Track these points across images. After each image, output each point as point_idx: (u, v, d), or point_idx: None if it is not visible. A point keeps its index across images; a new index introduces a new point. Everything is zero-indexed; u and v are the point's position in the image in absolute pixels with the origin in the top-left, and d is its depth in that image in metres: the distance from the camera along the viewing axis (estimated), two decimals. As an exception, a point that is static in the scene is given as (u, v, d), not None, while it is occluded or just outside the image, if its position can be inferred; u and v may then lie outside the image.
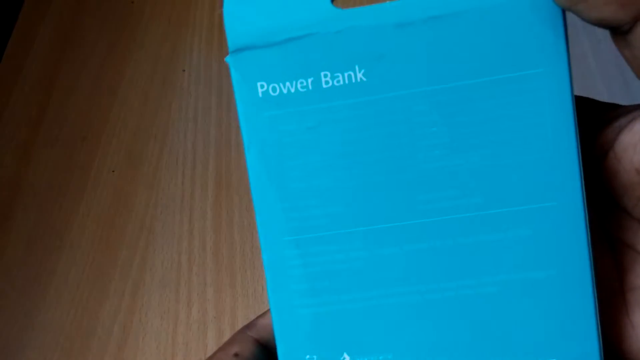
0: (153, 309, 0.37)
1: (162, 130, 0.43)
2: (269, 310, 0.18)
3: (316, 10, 0.16)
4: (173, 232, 0.39)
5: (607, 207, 0.17)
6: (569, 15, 0.16)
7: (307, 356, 0.17)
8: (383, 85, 0.16)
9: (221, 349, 0.18)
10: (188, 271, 0.38)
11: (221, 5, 0.17)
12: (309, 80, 0.16)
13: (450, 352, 0.17)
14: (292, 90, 0.16)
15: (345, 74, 0.16)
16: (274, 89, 0.16)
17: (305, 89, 0.16)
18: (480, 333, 0.16)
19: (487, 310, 0.16)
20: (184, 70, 0.45)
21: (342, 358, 0.17)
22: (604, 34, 0.16)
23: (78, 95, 0.45)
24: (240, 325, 0.35)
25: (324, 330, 0.17)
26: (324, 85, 0.16)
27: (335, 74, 0.16)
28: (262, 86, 0.16)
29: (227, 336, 0.35)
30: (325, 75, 0.16)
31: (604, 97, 0.40)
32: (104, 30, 0.48)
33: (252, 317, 0.19)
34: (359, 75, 0.16)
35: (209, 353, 0.35)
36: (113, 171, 0.42)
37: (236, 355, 0.18)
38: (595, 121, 0.17)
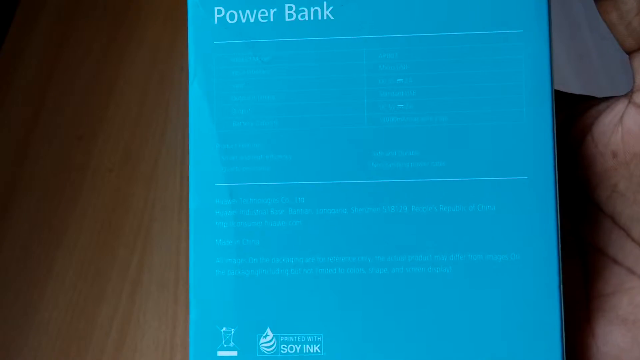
0: (151, 310, 0.37)
1: (160, 129, 0.43)
2: None
3: None
4: (171, 232, 0.39)
5: (579, 207, 0.16)
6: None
7: (224, 328, 0.15)
8: (350, 26, 0.15)
9: None
10: (187, 272, 0.38)
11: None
12: (272, 11, 0.15)
13: (390, 339, 0.15)
14: (252, 19, 0.15)
15: (312, 9, 0.15)
16: (231, 16, 0.15)
17: (266, 20, 0.15)
18: (427, 321, 0.15)
19: (437, 295, 0.15)
20: (182, 68, 0.45)
21: (264, 334, 0.15)
22: (608, 31, 0.15)
23: (74, 93, 0.45)
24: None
25: (247, 299, 0.15)
26: (287, 19, 0.15)
27: (301, 8, 0.15)
28: (219, 12, 0.15)
29: (226, 338, 0.35)
30: (290, 8, 0.15)
31: (607, 94, 0.40)
32: (101, 27, 0.47)
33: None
34: (326, 12, 0.15)
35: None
36: (110, 170, 0.42)
37: None
38: (572, 110, 0.16)
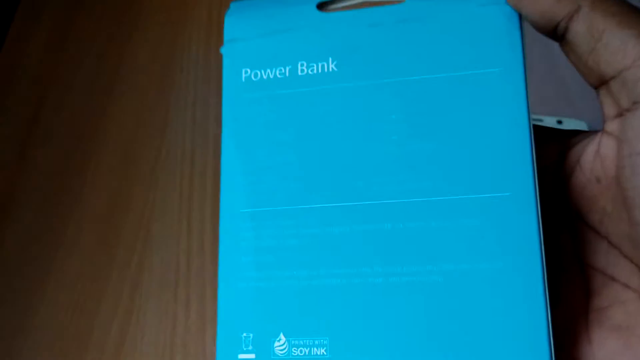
0: (151, 310, 0.37)
1: (160, 129, 0.43)
2: None
3: (302, 13, 0.19)
4: (171, 232, 0.39)
5: (577, 232, 0.18)
6: (550, 45, 0.16)
7: (244, 334, 0.17)
8: (351, 75, 0.18)
9: None
10: (187, 272, 0.38)
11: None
12: (287, 68, 0.18)
13: (389, 342, 0.16)
14: (271, 76, 0.18)
15: (320, 64, 0.18)
16: (255, 75, 0.19)
17: (282, 76, 0.18)
18: (422, 325, 0.16)
19: (431, 301, 0.16)
20: (182, 68, 0.45)
21: (277, 338, 0.17)
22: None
23: (74, 94, 0.45)
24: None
25: (264, 307, 0.17)
26: (300, 73, 0.18)
27: (311, 64, 0.18)
28: (246, 72, 0.19)
29: (226, 338, 0.35)
30: (302, 65, 0.18)
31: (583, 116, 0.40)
32: (100, 28, 0.47)
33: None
34: (331, 65, 0.18)
35: (208, 355, 0.35)
36: (110, 170, 0.41)
37: None
38: (565, 145, 0.19)
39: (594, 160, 0.17)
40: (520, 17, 0.17)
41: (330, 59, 0.18)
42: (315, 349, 0.17)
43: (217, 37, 0.46)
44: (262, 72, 0.19)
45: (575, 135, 0.19)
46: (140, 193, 0.41)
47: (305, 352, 0.17)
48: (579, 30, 0.16)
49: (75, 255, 0.39)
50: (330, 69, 0.18)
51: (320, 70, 0.18)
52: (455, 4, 0.18)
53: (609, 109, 0.17)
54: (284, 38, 0.19)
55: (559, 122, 0.36)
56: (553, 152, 0.18)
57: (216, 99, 0.43)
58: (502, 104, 0.17)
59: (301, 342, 0.17)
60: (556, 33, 0.17)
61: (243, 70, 0.19)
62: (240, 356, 0.17)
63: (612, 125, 0.17)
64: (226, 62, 0.19)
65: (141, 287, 0.38)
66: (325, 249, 0.17)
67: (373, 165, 0.17)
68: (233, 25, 0.19)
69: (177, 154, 0.41)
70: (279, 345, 0.17)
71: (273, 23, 0.19)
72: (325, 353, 0.17)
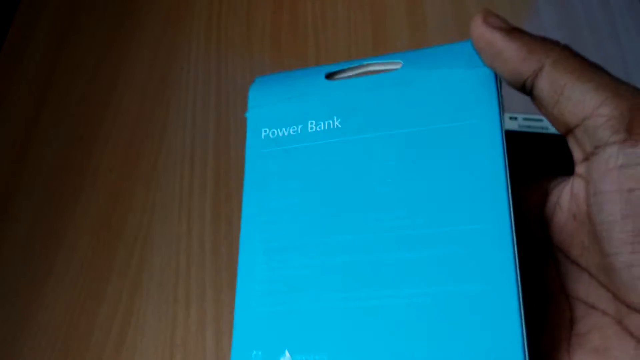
0: (151, 310, 0.37)
1: (160, 129, 0.43)
2: None
3: (313, 82, 0.22)
4: (171, 232, 0.39)
5: (563, 267, 0.20)
6: None
7: (254, 352, 0.19)
8: (353, 130, 0.21)
9: None
10: (186, 272, 0.38)
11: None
12: (299, 127, 0.22)
13: (382, 356, 0.18)
14: (286, 133, 0.22)
15: (326, 122, 0.21)
16: (272, 133, 0.22)
17: (295, 133, 0.22)
18: (412, 341, 0.18)
19: (419, 319, 0.18)
20: (182, 68, 0.45)
21: (283, 355, 0.19)
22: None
23: (75, 93, 0.45)
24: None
25: (272, 328, 0.20)
26: (309, 130, 0.22)
27: (319, 122, 0.22)
28: (265, 131, 0.22)
29: (226, 337, 0.35)
30: (311, 123, 0.22)
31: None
32: (101, 28, 0.47)
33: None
34: (336, 122, 0.21)
35: (208, 354, 0.35)
36: (110, 171, 0.42)
37: None
38: (545, 189, 0.21)
39: (570, 199, 0.19)
40: (497, 76, 0.20)
41: (335, 117, 0.21)
42: None
43: (217, 37, 0.46)
44: (278, 130, 0.22)
45: (554, 179, 0.21)
46: (141, 192, 0.41)
47: None
48: (543, 86, 0.18)
49: (75, 256, 0.39)
50: (335, 126, 0.21)
51: (326, 127, 0.21)
52: (442, 69, 0.21)
53: (577, 154, 0.19)
54: (296, 102, 0.22)
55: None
56: (537, 196, 0.21)
57: (216, 97, 0.43)
58: (481, 150, 0.19)
59: (303, 358, 0.19)
60: (525, 89, 0.19)
61: (262, 130, 0.22)
62: None
63: (580, 168, 0.19)
64: (249, 124, 0.23)
65: (141, 287, 0.38)
66: (327, 276, 0.20)
67: (370, 204, 0.20)
68: (256, 96, 0.23)
69: (177, 154, 0.41)
70: None
71: (288, 91, 0.22)
72: None
